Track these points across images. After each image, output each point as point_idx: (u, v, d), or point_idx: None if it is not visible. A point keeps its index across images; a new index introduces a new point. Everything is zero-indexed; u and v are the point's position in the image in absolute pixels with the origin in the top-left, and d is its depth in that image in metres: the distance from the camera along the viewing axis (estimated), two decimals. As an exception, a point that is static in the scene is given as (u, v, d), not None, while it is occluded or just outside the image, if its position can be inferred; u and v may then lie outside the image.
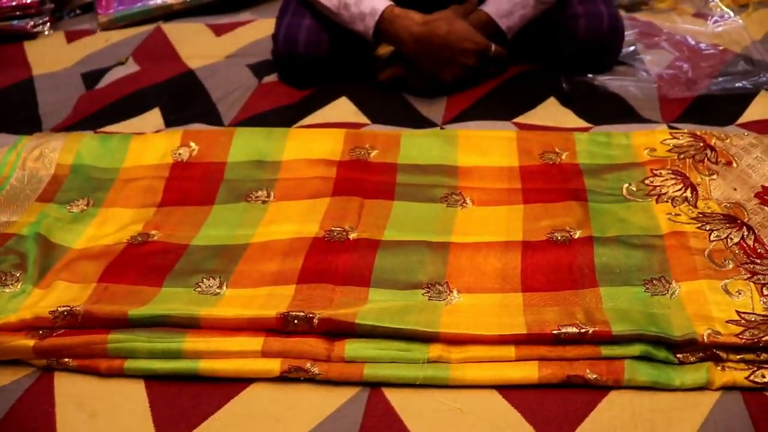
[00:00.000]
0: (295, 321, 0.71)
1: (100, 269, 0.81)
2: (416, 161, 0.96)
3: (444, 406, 0.66)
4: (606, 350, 0.68)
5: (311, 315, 0.71)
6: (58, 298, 0.76)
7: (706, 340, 0.67)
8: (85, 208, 0.92)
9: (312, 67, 1.19)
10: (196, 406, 0.68)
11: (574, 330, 0.68)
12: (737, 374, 0.67)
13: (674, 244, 0.79)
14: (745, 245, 0.78)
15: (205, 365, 0.70)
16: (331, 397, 0.68)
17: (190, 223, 0.88)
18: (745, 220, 0.82)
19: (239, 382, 0.69)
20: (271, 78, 1.25)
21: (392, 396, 0.67)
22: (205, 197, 0.92)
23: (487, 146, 0.97)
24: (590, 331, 0.68)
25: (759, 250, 0.77)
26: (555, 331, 0.68)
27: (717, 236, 0.80)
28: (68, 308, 0.73)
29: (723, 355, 0.67)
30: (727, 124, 1.04)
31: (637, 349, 0.67)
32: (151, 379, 0.70)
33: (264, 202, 0.91)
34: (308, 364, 0.69)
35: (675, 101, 1.12)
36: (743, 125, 1.04)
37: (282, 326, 0.71)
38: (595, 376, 0.67)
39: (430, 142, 0.98)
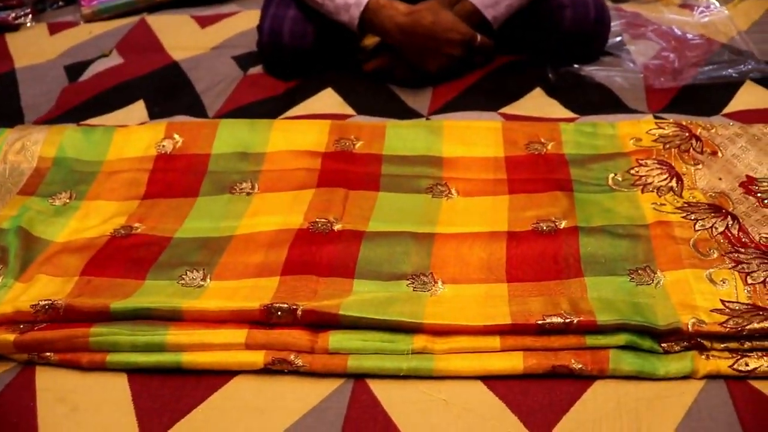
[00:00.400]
0: (279, 313, 0.70)
1: (82, 262, 0.80)
2: (401, 152, 0.95)
3: (428, 397, 0.66)
4: (591, 340, 0.68)
5: (295, 307, 0.70)
6: (39, 292, 0.75)
7: (690, 329, 0.67)
8: (67, 201, 0.91)
9: (297, 58, 1.18)
10: (179, 399, 0.67)
11: (559, 320, 0.68)
12: (721, 363, 0.67)
13: (659, 234, 0.79)
14: (729, 234, 0.78)
15: (188, 358, 0.69)
16: (315, 389, 0.67)
17: (174, 216, 0.87)
18: (730, 209, 0.82)
19: (222, 375, 0.69)
20: (257, 70, 1.24)
21: (376, 387, 0.67)
22: (189, 189, 0.92)
23: (472, 137, 0.97)
24: (575, 321, 0.68)
25: (743, 239, 0.77)
26: (540, 321, 0.68)
27: (702, 225, 0.80)
28: (50, 302, 0.72)
29: (707, 344, 0.67)
30: (712, 114, 1.04)
31: (622, 338, 0.67)
32: (133, 372, 0.70)
33: (248, 193, 0.90)
34: (292, 356, 0.68)
35: (661, 91, 1.12)
36: (729, 115, 1.04)
37: (265, 318, 0.71)
38: (580, 365, 0.66)
39: (415, 132, 0.98)
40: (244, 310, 0.71)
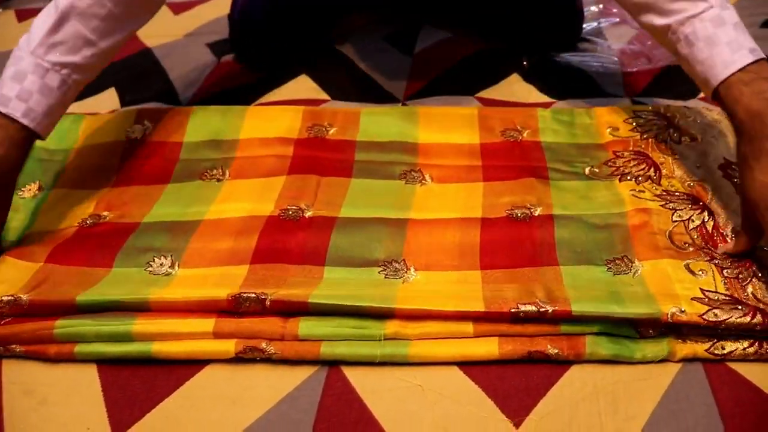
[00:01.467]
0: (247, 303, 0.69)
1: (48, 249, 0.78)
2: (375, 138, 0.94)
3: (404, 383, 0.65)
4: (566, 328, 0.67)
5: (264, 296, 0.69)
6: (2, 277, 0.73)
7: (670, 319, 0.66)
8: (36, 192, 0.88)
9: (269, 44, 1.16)
10: (150, 389, 0.66)
11: (533, 308, 0.67)
12: (698, 346, 0.67)
13: (637, 223, 0.78)
14: (704, 231, 0.77)
15: (158, 347, 0.67)
16: (289, 377, 0.66)
17: (143, 202, 0.85)
18: (707, 200, 0.81)
19: (194, 365, 0.67)
20: (231, 57, 1.22)
21: (351, 374, 0.66)
22: (160, 176, 0.89)
23: (447, 123, 0.95)
24: (550, 311, 0.66)
25: (716, 238, 0.76)
26: (513, 309, 0.67)
27: (679, 216, 0.79)
28: (12, 297, 0.70)
29: (684, 329, 0.67)
30: (690, 98, 1.04)
31: (597, 327, 0.67)
32: (103, 363, 0.68)
33: (219, 180, 0.88)
34: (263, 344, 0.67)
35: (638, 76, 1.11)
36: (707, 99, 1.03)
37: (234, 307, 0.69)
38: (556, 351, 0.66)
39: (389, 119, 0.96)
40: (211, 300, 0.69)
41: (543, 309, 0.67)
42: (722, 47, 0.73)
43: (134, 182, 0.89)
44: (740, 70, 0.72)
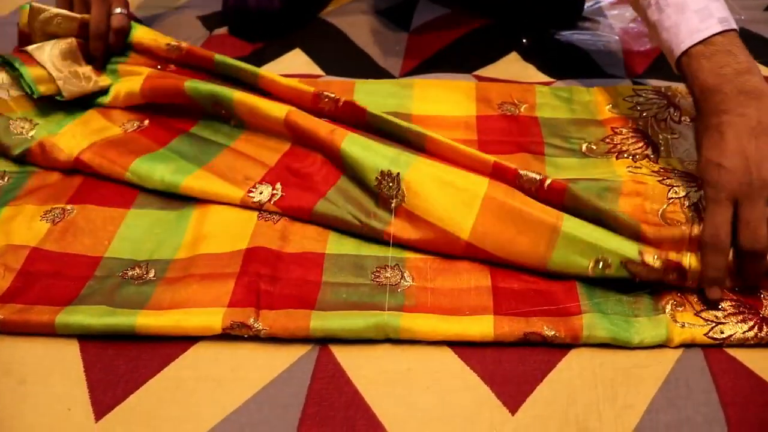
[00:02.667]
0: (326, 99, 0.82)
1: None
2: (370, 110, 0.91)
3: (396, 367, 0.63)
4: (558, 255, 0.67)
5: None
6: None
7: (650, 236, 0.66)
8: None
9: (263, 21, 1.13)
10: (133, 369, 0.64)
11: (536, 176, 0.69)
12: (696, 331, 0.65)
13: (628, 210, 0.76)
14: (701, 207, 0.76)
15: (142, 321, 0.65)
16: (278, 359, 0.64)
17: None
18: None
19: (180, 343, 0.65)
20: (223, 30, 1.19)
21: (342, 356, 0.64)
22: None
23: (443, 96, 0.94)
24: (548, 181, 0.69)
25: None
26: (520, 171, 0.70)
27: (675, 193, 0.77)
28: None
29: (680, 300, 0.67)
30: (690, 79, 1.02)
31: (593, 255, 0.66)
32: (85, 340, 0.66)
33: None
34: (251, 320, 0.65)
35: (639, 57, 1.09)
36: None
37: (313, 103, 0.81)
38: (553, 332, 0.64)
39: (384, 89, 0.95)
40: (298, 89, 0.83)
41: (542, 177, 0.69)
42: (690, 14, 0.71)
43: None
44: (704, 40, 0.70)
